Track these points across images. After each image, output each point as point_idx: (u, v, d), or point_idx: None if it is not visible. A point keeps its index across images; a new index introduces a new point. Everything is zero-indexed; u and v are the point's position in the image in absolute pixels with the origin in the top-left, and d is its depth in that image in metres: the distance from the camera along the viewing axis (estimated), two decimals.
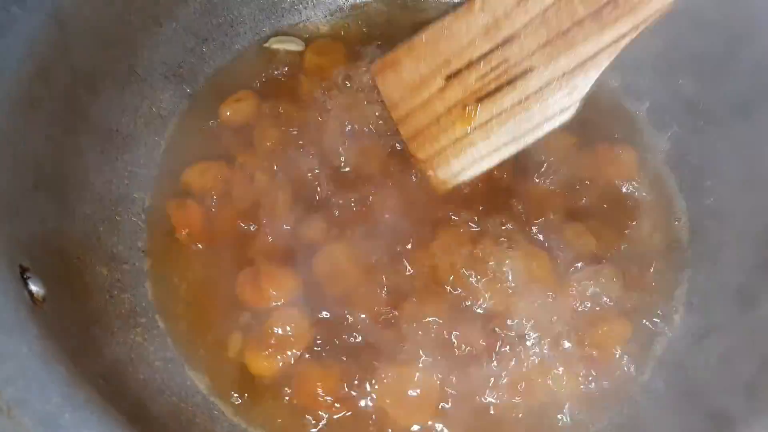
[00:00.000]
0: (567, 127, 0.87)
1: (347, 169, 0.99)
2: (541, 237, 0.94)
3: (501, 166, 0.92)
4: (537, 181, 0.98)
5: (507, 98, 0.86)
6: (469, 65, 0.87)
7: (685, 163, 1.02)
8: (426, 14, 1.16)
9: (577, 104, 0.83)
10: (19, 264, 0.74)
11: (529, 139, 0.87)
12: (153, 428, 0.77)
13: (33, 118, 0.82)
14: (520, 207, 0.96)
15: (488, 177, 0.95)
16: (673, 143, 1.04)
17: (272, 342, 0.86)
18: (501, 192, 0.97)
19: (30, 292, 0.73)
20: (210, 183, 0.97)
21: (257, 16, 1.12)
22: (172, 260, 0.94)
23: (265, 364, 0.86)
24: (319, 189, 0.97)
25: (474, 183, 0.95)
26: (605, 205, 0.98)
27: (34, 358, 0.66)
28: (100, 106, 0.94)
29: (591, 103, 0.84)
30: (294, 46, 1.12)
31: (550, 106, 0.85)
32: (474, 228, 0.94)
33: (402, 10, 1.17)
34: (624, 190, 1.01)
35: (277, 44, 1.12)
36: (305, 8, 1.15)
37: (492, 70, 0.86)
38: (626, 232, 0.97)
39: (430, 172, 0.93)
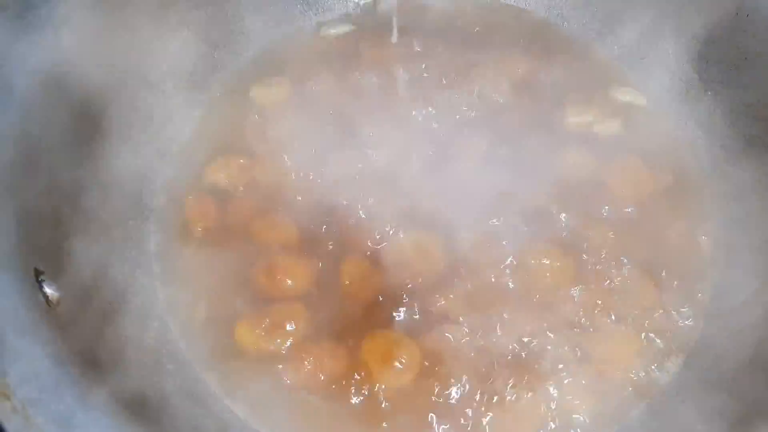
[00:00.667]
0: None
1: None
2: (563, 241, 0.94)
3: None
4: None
5: None
6: None
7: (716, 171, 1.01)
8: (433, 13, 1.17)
9: None
10: (35, 267, 0.75)
11: None
12: (164, 430, 0.77)
13: (46, 124, 0.84)
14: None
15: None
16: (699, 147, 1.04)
17: (268, 325, 0.88)
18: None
19: (45, 295, 0.74)
20: (232, 176, 0.99)
21: (268, 22, 1.13)
22: (185, 263, 0.95)
23: (254, 341, 0.88)
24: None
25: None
26: (624, 215, 0.98)
27: (47, 359, 0.67)
28: (112, 112, 0.95)
29: None
30: (346, 28, 1.15)
31: None
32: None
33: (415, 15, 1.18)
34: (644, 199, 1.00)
35: (332, 29, 1.15)
36: (315, 15, 1.17)
37: None
38: (646, 242, 0.96)
39: None
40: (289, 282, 0.91)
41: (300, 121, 1.03)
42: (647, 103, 1.07)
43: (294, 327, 0.88)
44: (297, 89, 1.07)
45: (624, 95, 1.07)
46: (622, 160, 1.01)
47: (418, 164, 1.00)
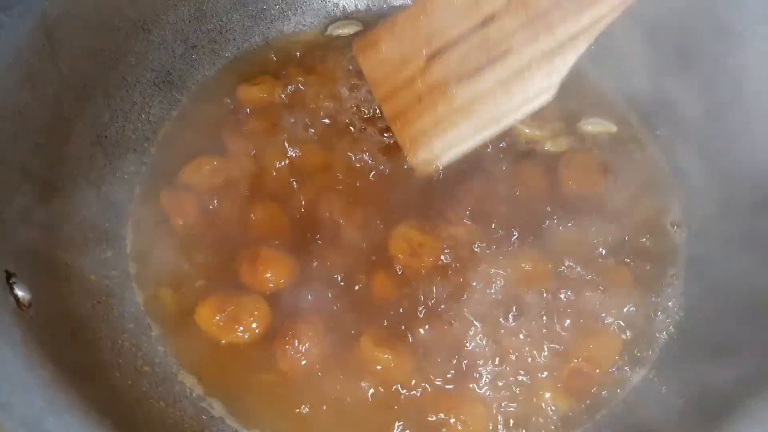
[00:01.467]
0: None
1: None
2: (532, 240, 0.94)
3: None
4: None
5: (487, 79, 0.86)
6: (450, 45, 0.87)
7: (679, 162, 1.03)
8: None
9: (557, 86, 0.84)
10: (5, 269, 0.74)
11: (510, 120, 0.88)
12: None
13: (21, 124, 0.83)
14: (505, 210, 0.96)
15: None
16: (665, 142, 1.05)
17: (227, 315, 0.88)
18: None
19: (16, 297, 0.73)
20: (207, 177, 0.98)
21: (246, 22, 1.13)
22: (162, 265, 0.94)
23: (211, 327, 0.88)
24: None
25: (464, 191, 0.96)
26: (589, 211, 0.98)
27: (18, 363, 0.66)
28: (88, 112, 0.95)
29: None
30: (354, 27, 1.15)
31: (530, 88, 0.85)
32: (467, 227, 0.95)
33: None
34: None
35: (339, 30, 1.15)
36: (294, 15, 1.16)
37: (472, 50, 0.86)
38: (616, 234, 0.96)
39: (411, 154, 0.92)
40: (265, 276, 0.91)
41: (279, 121, 1.03)
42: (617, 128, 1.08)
43: (255, 324, 0.88)
44: (279, 88, 1.07)
45: (593, 126, 1.07)
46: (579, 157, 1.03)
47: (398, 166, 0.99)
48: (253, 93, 1.07)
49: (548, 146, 1.04)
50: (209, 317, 0.88)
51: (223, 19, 1.11)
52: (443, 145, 0.91)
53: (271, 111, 1.05)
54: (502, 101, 0.87)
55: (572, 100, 1.07)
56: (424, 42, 0.89)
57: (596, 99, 1.10)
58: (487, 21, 0.85)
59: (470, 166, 0.98)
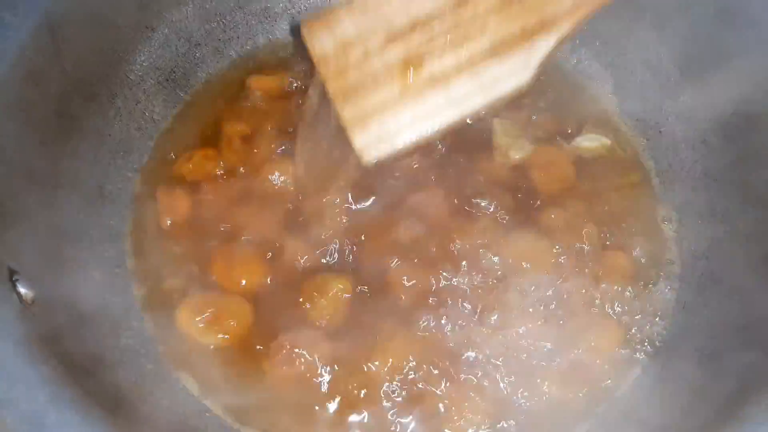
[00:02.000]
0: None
1: None
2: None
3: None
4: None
5: (454, 58, 0.78)
6: (417, 25, 0.79)
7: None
8: None
9: (533, 70, 0.76)
10: (8, 266, 0.74)
11: (473, 104, 0.78)
12: (141, 430, 0.77)
13: (25, 122, 0.83)
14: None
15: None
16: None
17: (208, 314, 0.89)
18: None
19: (19, 295, 0.73)
20: (199, 168, 0.99)
21: (250, 21, 1.13)
22: (159, 263, 0.94)
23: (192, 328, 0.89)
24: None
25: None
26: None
27: (19, 358, 0.67)
28: (92, 110, 0.95)
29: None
30: None
31: (502, 67, 0.77)
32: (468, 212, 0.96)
33: None
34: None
35: None
36: (298, 13, 1.16)
37: (441, 30, 0.78)
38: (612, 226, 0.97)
39: (356, 136, 0.82)
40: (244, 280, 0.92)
41: (279, 117, 1.04)
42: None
43: (236, 324, 0.89)
44: (284, 84, 1.07)
45: (590, 141, 1.06)
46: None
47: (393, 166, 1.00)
48: (260, 84, 1.07)
49: (515, 155, 1.03)
50: (190, 319, 0.89)
51: (227, 18, 1.11)
52: (396, 127, 0.80)
53: (271, 107, 1.05)
54: (467, 81, 0.78)
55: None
56: (386, 21, 0.80)
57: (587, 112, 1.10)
58: (460, 3, 0.77)
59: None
